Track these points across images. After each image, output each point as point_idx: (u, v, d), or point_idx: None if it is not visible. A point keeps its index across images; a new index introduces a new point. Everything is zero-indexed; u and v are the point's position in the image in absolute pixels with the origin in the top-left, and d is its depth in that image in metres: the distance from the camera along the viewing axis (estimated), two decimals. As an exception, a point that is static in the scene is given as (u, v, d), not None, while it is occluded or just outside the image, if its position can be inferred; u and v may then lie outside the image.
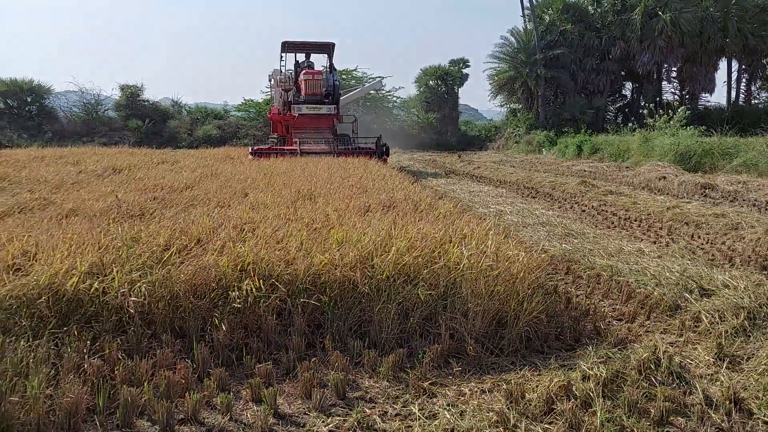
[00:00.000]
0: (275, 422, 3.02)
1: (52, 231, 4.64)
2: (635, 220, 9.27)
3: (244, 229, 4.89)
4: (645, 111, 22.91)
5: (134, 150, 21.37)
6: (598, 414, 2.97)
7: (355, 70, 39.44)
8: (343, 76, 34.10)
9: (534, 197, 12.55)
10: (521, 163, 23.38)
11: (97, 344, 3.40)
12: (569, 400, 3.10)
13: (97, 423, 2.87)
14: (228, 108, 42.72)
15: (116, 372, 3.19)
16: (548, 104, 35.51)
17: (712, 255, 6.84)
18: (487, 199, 11.33)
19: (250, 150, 16.51)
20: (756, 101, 36.89)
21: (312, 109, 18.16)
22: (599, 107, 33.67)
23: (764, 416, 3.01)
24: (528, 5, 35.12)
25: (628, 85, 38.78)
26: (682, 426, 2.98)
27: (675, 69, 35.59)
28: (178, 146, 30.90)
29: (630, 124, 23.95)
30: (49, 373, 3.00)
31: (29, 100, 34.68)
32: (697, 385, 3.28)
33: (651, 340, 3.94)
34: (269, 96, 32.53)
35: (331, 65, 20.19)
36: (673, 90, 37.64)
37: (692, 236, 7.97)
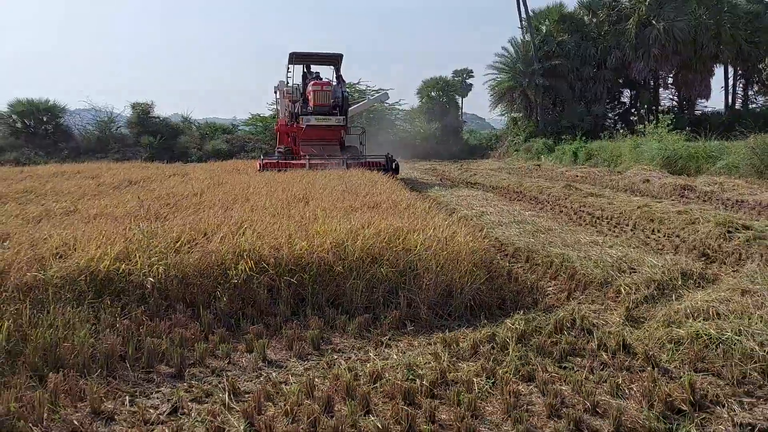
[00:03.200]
0: (264, 365, 3.93)
1: (84, 229, 5.59)
2: (606, 218, 10.12)
3: (242, 225, 5.81)
4: (635, 117, 23.75)
5: (147, 164, 22.41)
6: (511, 353, 3.86)
7: (358, 83, 40.50)
8: (346, 89, 34.96)
9: (519, 200, 13.42)
10: (518, 170, 24.24)
11: (126, 310, 4.34)
12: (490, 345, 3.99)
13: (128, 365, 3.79)
14: (236, 123, 43.93)
15: (141, 330, 4.12)
16: (547, 112, 36.38)
17: (662, 245, 7.70)
18: (473, 202, 12.18)
19: (258, 164, 16.41)
20: (753, 105, 37.58)
21: (321, 120, 18.03)
22: (597, 114, 34.46)
23: (642, 354, 3.87)
24: (525, 16, 36.10)
25: (627, 92, 39.64)
26: (577, 362, 3.86)
27: (671, 76, 36.43)
28: (188, 160, 31.96)
29: (621, 131, 24.72)
30: (90, 329, 3.93)
31: (45, 119, 36.01)
32: (595, 335, 4.16)
33: (572, 307, 4.81)
34: (275, 110, 33.58)
35: (339, 76, 20.19)
36: (671, 96, 38.46)
37: (653, 230, 8.82)
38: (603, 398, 3.30)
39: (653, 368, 3.69)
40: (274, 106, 35.06)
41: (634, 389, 3.40)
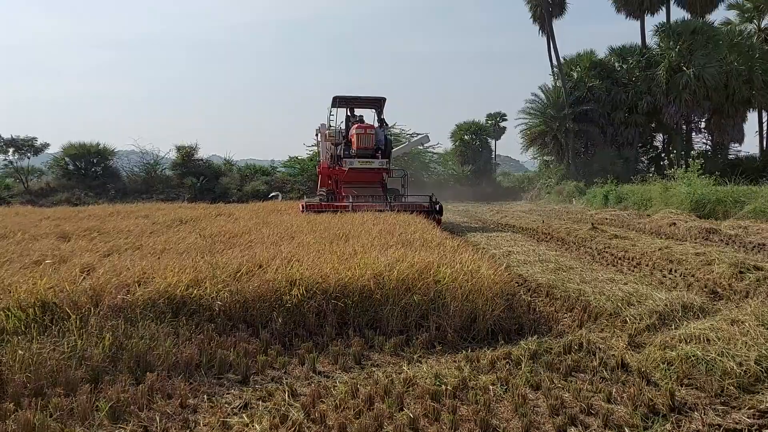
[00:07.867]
0: (314, 375, 4.68)
1: (158, 261, 6.49)
2: (627, 259, 10.68)
3: (291, 259, 6.64)
4: (666, 162, 24.24)
5: (192, 205, 23.59)
6: (523, 368, 4.55)
7: (393, 126, 41.71)
8: (389, 132, 35.80)
9: (546, 241, 14.05)
10: (549, 212, 24.81)
11: (198, 327, 5.17)
12: (506, 361, 4.69)
13: (203, 371, 4.59)
14: (275, 164, 45.53)
15: (212, 343, 4.93)
16: (578, 156, 37.00)
17: (676, 283, 8.26)
18: (501, 243, 12.86)
19: (301, 206, 16.34)
20: (788, 149, 37.54)
21: (364, 163, 18.30)
22: (628, 158, 34.94)
23: (637, 371, 4.51)
24: (556, 63, 37.12)
25: (660, 136, 40.06)
26: (580, 377, 4.52)
27: (703, 120, 36.82)
28: (229, 201, 33.29)
29: (651, 175, 25.16)
30: (172, 341, 4.76)
31: (95, 161, 38.06)
32: (597, 355, 4.82)
33: (581, 333, 5.47)
34: (314, 151, 34.75)
35: (382, 120, 20.30)
36: (704, 140, 38.74)
37: (670, 270, 9.37)
38: (597, 402, 3.96)
39: (642, 380, 4.34)
40: (313, 148, 36.42)
41: (625, 397, 4.06)
